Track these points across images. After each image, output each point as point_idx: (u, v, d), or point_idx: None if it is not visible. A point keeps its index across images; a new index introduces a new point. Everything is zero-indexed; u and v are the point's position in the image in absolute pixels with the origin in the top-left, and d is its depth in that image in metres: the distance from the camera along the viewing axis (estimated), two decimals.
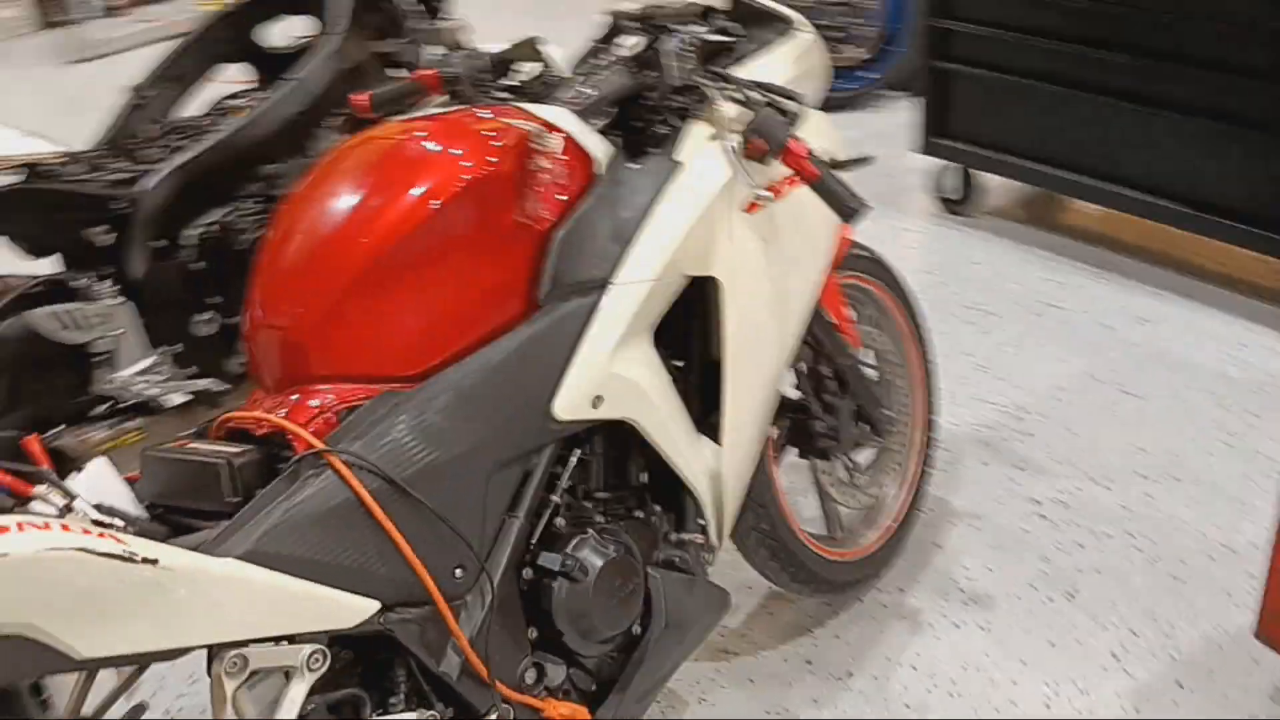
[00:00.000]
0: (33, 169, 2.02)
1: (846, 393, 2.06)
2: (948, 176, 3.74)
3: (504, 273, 1.44)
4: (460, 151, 1.42)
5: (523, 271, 1.45)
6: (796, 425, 2.05)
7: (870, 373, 2.19)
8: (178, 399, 2.34)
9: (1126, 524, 2.38)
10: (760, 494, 1.95)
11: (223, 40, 2.56)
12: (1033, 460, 2.60)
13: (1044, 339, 3.07)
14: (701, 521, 1.70)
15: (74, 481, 1.34)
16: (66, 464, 2.23)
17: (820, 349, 2.01)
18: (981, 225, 3.73)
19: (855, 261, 2.15)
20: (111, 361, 2.24)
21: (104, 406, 2.32)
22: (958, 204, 3.76)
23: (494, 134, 1.46)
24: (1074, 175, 3.34)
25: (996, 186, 3.84)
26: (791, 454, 2.11)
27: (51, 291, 2.19)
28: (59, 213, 2.11)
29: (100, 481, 1.36)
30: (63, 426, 2.26)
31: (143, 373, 2.26)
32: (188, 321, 2.28)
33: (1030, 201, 3.85)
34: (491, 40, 1.84)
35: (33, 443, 1.28)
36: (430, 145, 1.43)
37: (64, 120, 2.40)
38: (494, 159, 1.43)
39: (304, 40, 2.47)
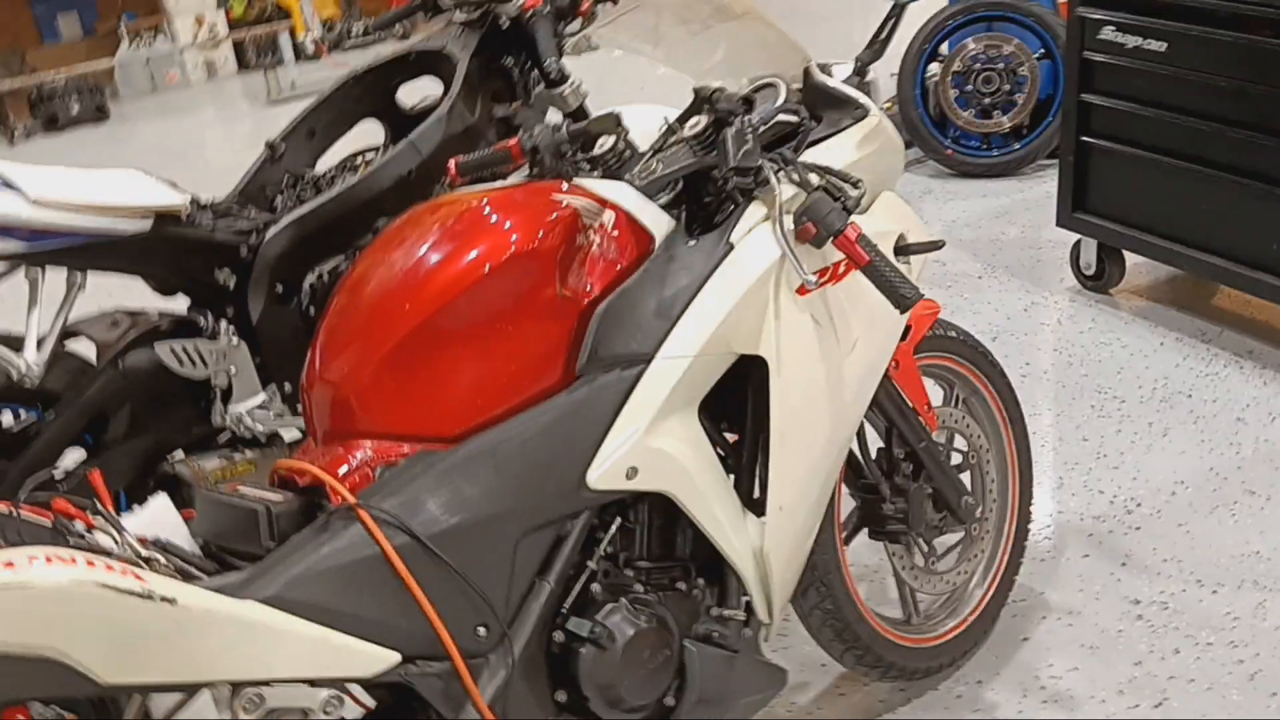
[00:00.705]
0: (164, 216, 2.19)
1: (921, 476, 2.02)
2: (1086, 252, 3.62)
3: (545, 342, 1.49)
4: (510, 224, 1.49)
5: (564, 342, 1.50)
6: (867, 506, 2.03)
7: (953, 457, 2.15)
8: (288, 435, 2.48)
9: (1231, 633, 2.25)
10: (824, 573, 1.94)
11: (359, 99, 2.71)
12: (1138, 557, 2.49)
13: (1169, 429, 2.93)
14: (746, 597, 1.70)
15: (135, 516, 1.46)
16: (182, 488, 2.40)
17: (893, 430, 1.98)
18: (1119, 305, 3.59)
19: (942, 342, 2.11)
20: (228, 396, 2.39)
21: (221, 438, 2.48)
22: (1095, 281, 3.63)
23: (546, 209, 1.52)
24: (1215, 258, 3.18)
25: (1138, 265, 3.70)
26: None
27: (177, 328, 2.35)
28: (188, 257, 2.27)
29: (160, 516, 1.47)
30: (180, 453, 2.42)
31: (255, 409, 2.39)
32: (299, 363, 2.41)
33: (1172, 282, 3.69)
34: (609, 106, 1.91)
35: (96, 478, 1.39)
36: (482, 217, 1.50)
37: (254, 156, 2.58)
38: (542, 232, 1.49)
39: (429, 102, 2.59)
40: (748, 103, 1.62)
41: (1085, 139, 3.46)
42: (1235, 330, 3.36)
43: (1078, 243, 3.65)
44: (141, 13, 8.71)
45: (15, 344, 2.15)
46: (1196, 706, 2.09)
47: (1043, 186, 4.58)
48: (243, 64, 8.81)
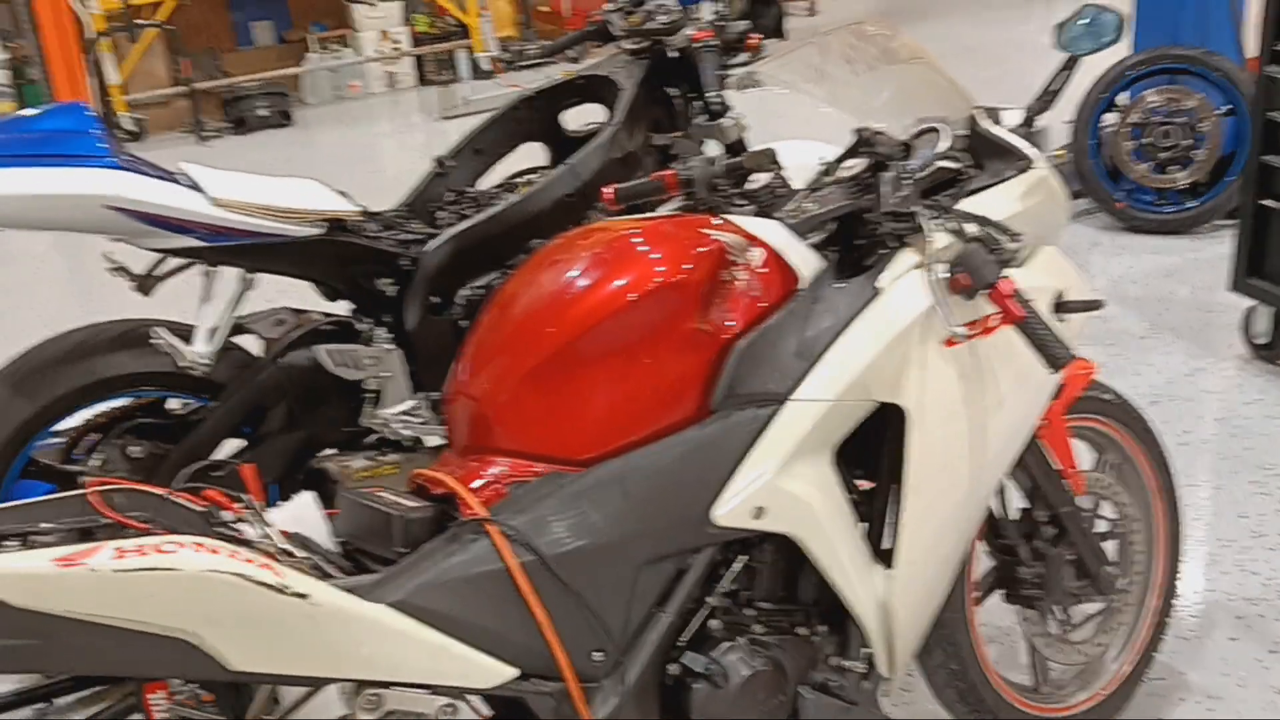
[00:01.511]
0: (333, 224, 2.29)
1: (1062, 542, 1.95)
2: (1259, 319, 3.45)
3: (682, 375, 1.50)
4: (657, 256, 1.50)
5: (701, 376, 1.50)
6: (1003, 569, 1.97)
7: (1099, 525, 2.07)
8: (433, 441, 2.54)
9: None
10: (952, 631, 1.89)
11: (526, 120, 2.78)
12: None
13: None
14: (867, 650, 1.67)
15: (281, 510, 1.52)
16: (329, 484, 2.49)
17: (1037, 492, 1.92)
18: None
19: (1096, 404, 2.04)
20: (379, 400, 2.47)
21: (369, 439, 2.56)
22: (1267, 350, 3.45)
23: (694, 242, 1.53)
24: None
25: None
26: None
27: (337, 331, 2.45)
28: (352, 264, 2.37)
29: (304, 512, 1.53)
30: (331, 451, 2.52)
31: (405, 414, 2.47)
32: (447, 373, 2.48)
33: None
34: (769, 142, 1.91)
35: (248, 471, 1.46)
36: (631, 246, 1.52)
37: (424, 167, 2.68)
38: (688, 265, 1.50)
39: (592, 127, 2.64)
40: (907, 147, 1.60)
41: (1264, 202, 3.30)
42: None
43: (1251, 309, 3.48)
44: (331, 24, 9.11)
45: (186, 335, 2.27)
46: None
47: (1217, 247, 4.37)
48: (422, 78, 9.11)
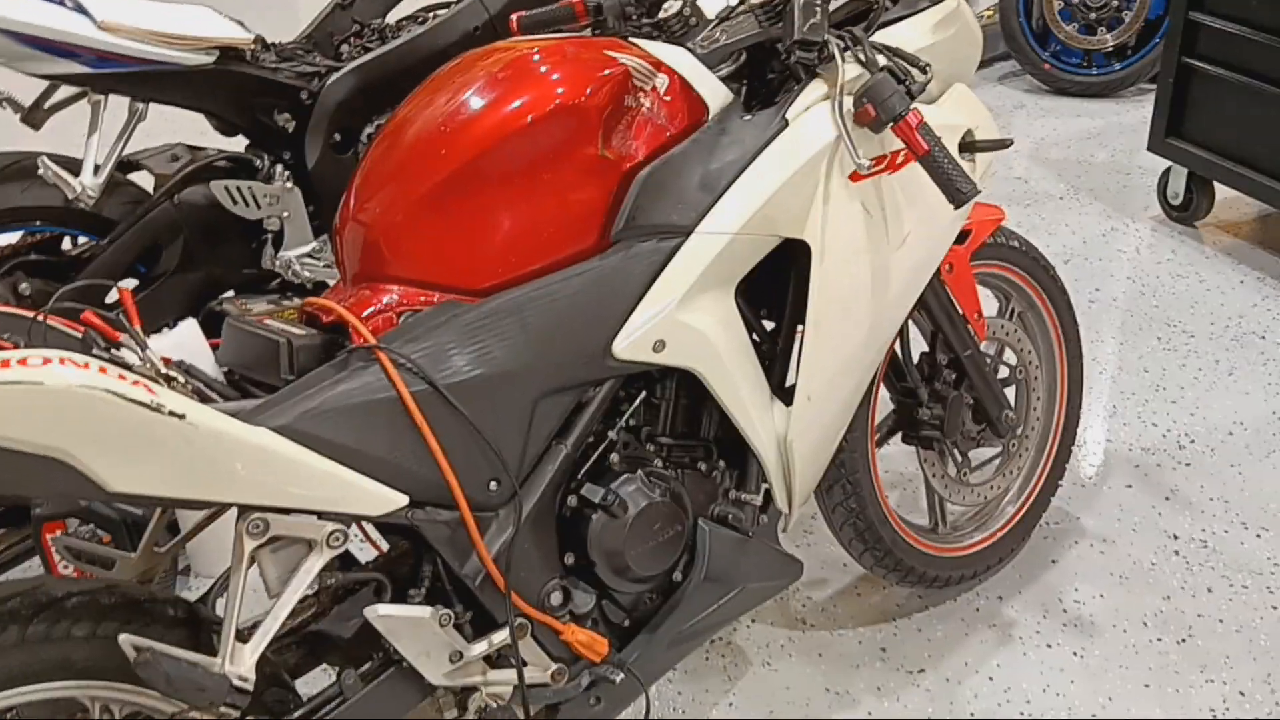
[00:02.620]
0: (224, 52, 2.18)
1: (962, 385, 1.97)
2: (1175, 181, 3.48)
3: (582, 203, 1.45)
4: (558, 76, 1.44)
5: (602, 205, 1.46)
6: (903, 409, 1.98)
7: (1000, 370, 2.09)
8: (334, 283, 2.48)
9: (1269, 579, 2.19)
10: (852, 470, 1.91)
11: None
12: (1183, 493, 2.42)
13: (1235, 368, 2.83)
14: (766, 484, 1.68)
15: (163, 337, 1.47)
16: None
17: (939, 335, 1.93)
18: (1202, 238, 3.46)
19: (1003, 251, 2.04)
20: (280, 241, 2.40)
21: (272, 284, 2.50)
22: (1181, 211, 3.49)
23: (598, 65, 1.47)
24: None
25: (1227, 199, 3.54)
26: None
27: (233, 167, 2.36)
28: (247, 96, 2.26)
29: (186, 340, 1.48)
30: (230, 293, 2.45)
31: (305, 255, 2.40)
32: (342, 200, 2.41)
33: (1261, 220, 3.54)
34: None
35: (126, 295, 1.40)
36: (531, 66, 1.46)
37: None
38: (590, 88, 1.44)
39: None
40: None
41: (1188, 60, 3.30)
42: None
43: (1167, 170, 3.50)
44: None
45: (74, 168, 2.17)
46: (1221, 647, 2.05)
47: (1141, 111, 4.39)
48: None
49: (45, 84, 2.26)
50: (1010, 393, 2.12)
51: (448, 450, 1.36)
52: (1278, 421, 2.63)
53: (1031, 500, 2.22)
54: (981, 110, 1.76)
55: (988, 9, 4.72)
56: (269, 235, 2.38)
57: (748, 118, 1.56)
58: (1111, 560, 2.26)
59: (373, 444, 1.33)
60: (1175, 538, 2.31)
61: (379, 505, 1.34)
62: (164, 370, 1.32)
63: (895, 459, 2.51)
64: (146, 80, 2.14)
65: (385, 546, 1.55)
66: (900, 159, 1.55)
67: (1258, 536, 2.30)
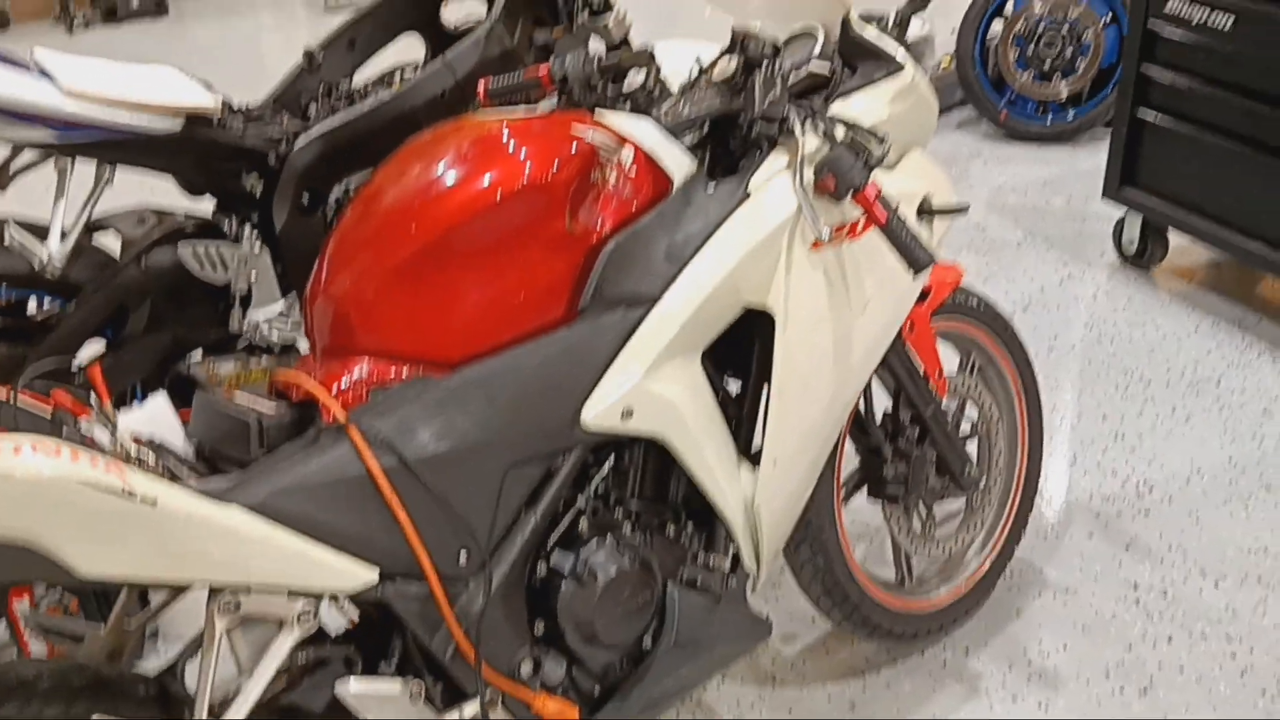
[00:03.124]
0: (191, 118, 2.18)
1: (925, 441, 2.01)
2: (1130, 228, 3.55)
3: (550, 276, 1.48)
4: (525, 153, 1.47)
5: (570, 278, 1.49)
6: (868, 466, 2.01)
7: (963, 425, 2.13)
8: (304, 345, 2.49)
9: (1228, 627, 2.23)
10: (818, 529, 1.94)
11: (403, 12, 2.68)
12: (1143, 542, 2.46)
13: (1193, 415, 2.89)
14: (734, 547, 1.70)
15: (133, 413, 1.47)
16: (196, 389, 2.42)
17: (902, 393, 1.96)
18: (1158, 285, 3.53)
19: (961, 308, 2.08)
20: (247, 302, 2.40)
21: (239, 344, 2.49)
22: (1137, 259, 3.56)
23: (564, 141, 1.50)
24: (1262, 245, 3.11)
25: (1181, 246, 3.62)
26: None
27: (201, 230, 2.36)
28: (215, 160, 2.27)
29: (157, 415, 1.48)
30: (198, 355, 2.45)
31: (274, 318, 2.41)
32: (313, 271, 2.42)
33: (1214, 266, 3.62)
34: (654, 39, 1.88)
35: (95, 373, 1.41)
36: (499, 144, 1.48)
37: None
38: (557, 164, 1.47)
39: (472, 22, 2.56)
40: (777, 49, 1.58)
41: (1141, 112, 3.38)
42: (1274, 321, 3.30)
43: (1122, 218, 3.58)
44: None
45: (41, 233, 2.17)
46: (1182, 698, 2.08)
47: (1097, 157, 4.45)
48: None
49: (9, 147, 2.26)
50: (972, 447, 2.16)
51: (418, 523, 1.38)
52: (1233, 469, 2.68)
53: (996, 552, 2.25)
54: (938, 174, 1.81)
55: (944, 57, 4.81)
56: (236, 296, 2.38)
57: (711, 188, 1.59)
58: (1074, 610, 2.29)
59: (343, 519, 1.34)
60: (1136, 586, 2.34)
61: (349, 581, 1.35)
62: (134, 450, 1.33)
63: (862, 510, 2.54)
64: (114, 146, 2.14)
65: (355, 615, 1.55)
66: (860, 227, 1.59)
67: (1215, 586, 2.34)
